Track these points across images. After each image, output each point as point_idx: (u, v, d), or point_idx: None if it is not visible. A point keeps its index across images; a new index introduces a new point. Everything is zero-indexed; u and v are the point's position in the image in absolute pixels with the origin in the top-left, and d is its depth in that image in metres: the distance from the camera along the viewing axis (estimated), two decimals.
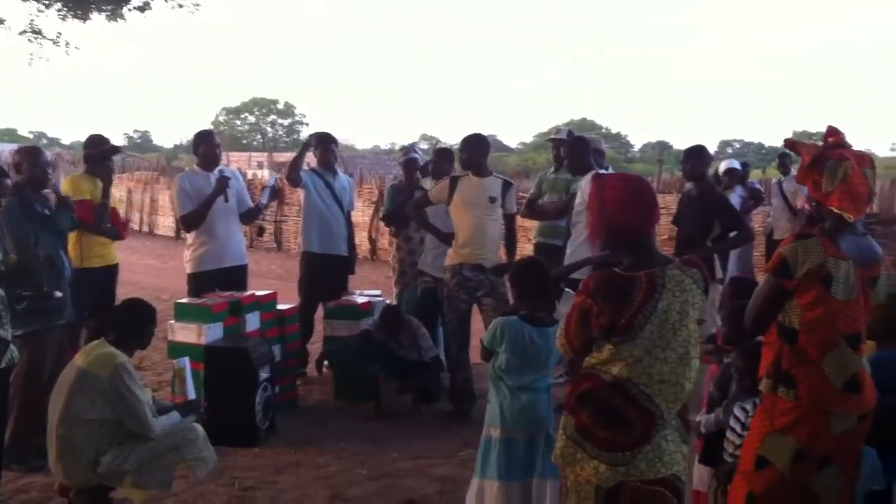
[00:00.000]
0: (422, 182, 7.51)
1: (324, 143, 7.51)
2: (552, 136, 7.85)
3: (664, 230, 11.25)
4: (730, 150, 59.39)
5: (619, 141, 77.28)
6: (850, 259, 3.28)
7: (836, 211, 3.30)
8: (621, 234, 3.10)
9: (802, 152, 3.47)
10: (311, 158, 7.69)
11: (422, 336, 6.62)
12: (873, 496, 3.75)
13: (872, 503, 3.75)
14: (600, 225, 3.14)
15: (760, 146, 66.61)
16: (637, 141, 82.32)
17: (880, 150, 68.68)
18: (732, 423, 3.93)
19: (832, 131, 3.50)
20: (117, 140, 9.83)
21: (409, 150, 8.02)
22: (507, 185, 6.49)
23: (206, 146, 6.90)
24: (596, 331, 2.99)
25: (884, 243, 11.36)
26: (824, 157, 3.36)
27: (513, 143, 77.72)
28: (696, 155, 6.47)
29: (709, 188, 6.49)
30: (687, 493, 4.53)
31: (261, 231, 7.23)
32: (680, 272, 3.04)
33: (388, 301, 7.46)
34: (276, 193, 7.19)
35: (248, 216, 7.18)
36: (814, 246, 3.25)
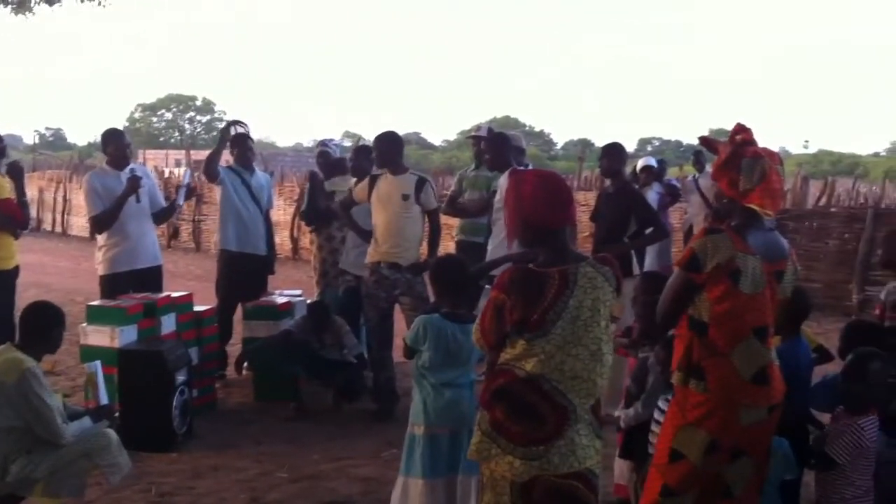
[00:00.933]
0: (340, 179, 7.44)
1: (241, 141, 7.40)
2: (472, 134, 7.88)
3: (585, 227, 11.42)
4: (649, 148, 60.66)
5: (542, 139, 78.13)
6: (758, 254, 3.36)
7: (754, 208, 3.38)
8: (536, 229, 3.12)
9: (718, 150, 3.55)
10: (228, 157, 7.56)
11: (346, 334, 6.58)
12: (786, 485, 3.87)
13: (785, 492, 3.88)
14: (516, 220, 3.17)
15: (679, 144, 68.01)
16: (560, 139, 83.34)
17: (793, 147, 70.94)
18: (657, 415, 4.00)
19: (740, 128, 3.57)
20: (28, 138, 9.54)
21: (323, 143, 7.95)
22: (421, 182, 6.47)
23: (114, 145, 6.73)
24: (509, 326, 3.01)
25: (790, 238, 11.80)
26: (739, 154, 3.43)
27: (437, 140, 77.82)
28: (613, 152, 6.57)
29: (625, 185, 6.60)
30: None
31: (176, 232, 7.08)
32: (592, 270, 3.08)
33: (308, 301, 7.38)
34: (191, 192, 7.03)
35: (163, 216, 7.04)
36: (723, 241, 3.32)
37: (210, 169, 7.21)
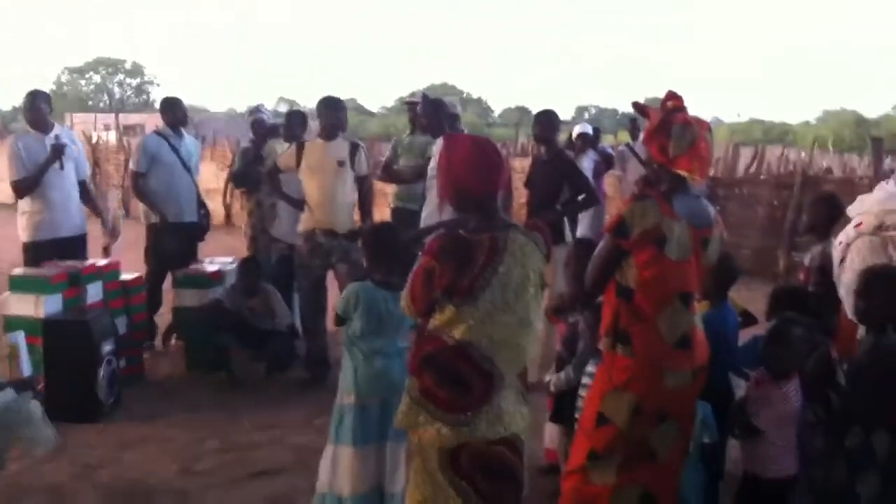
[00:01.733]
0: (272, 145, 7.33)
1: (172, 103, 7.25)
2: (407, 100, 7.81)
3: (521, 193, 11.45)
4: (586, 116, 61.04)
5: (480, 106, 78.07)
6: (684, 220, 3.40)
7: (683, 174, 3.41)
8: (466, 195, 3.10)
9: (650, 115, 3.57)
10: (156, 121, 7.37)
11: (277, 303, 6.51)
12: (707, 448, 3.95)
13: (706, 455, 3.96)
14: (447, 186, 3.15)
15: (615, 112, 68.68)
16: (497, 106, 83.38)
17: (726, 116, 72.13)
18: (586, 380, 4.03)
19: (671, 95, 3.60)
20: None
21: (255, 110, 7.81)
22: (355, 147, 6.42)
23: (33, 109, 6.49)
24: (438, 292, 2.99)
25: (721, 205, 12.00)
26: (669, 121, 3.46)
27: (374, 107, 77.18)
28: (546, 120, 6.58)
29: (558, 152, 6.61)
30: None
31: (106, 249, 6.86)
32: (523, 237, 3.07)
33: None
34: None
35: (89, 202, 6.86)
36: (650, 207, 3.36)
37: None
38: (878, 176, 10.90)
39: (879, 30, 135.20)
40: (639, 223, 3.33)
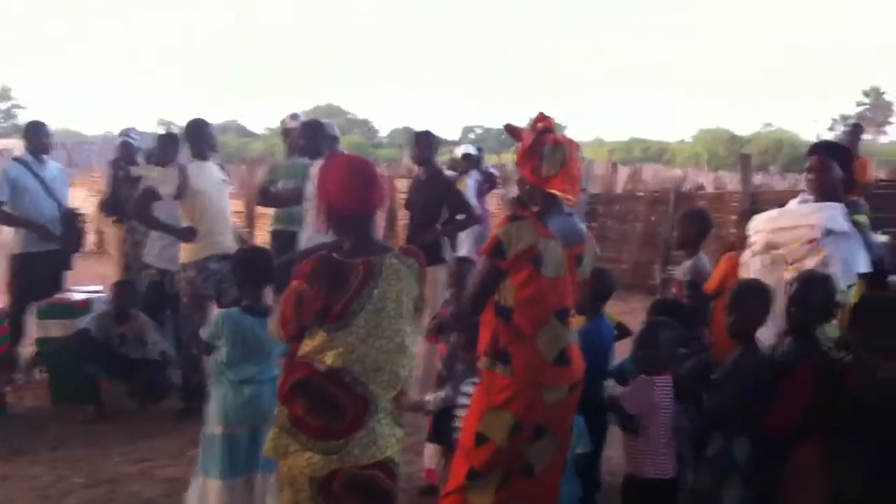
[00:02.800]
0: (142, 169, 7.08)
1: (35, 128, 6.92)
2: (285, 122, 7.68)
3: (403, 214, 11.45)
4: (472, 136, 61.60)
5: (366, 127, 77.92)
6: (558, 239, 3.44)
7: (557, 194, 3.44)
8: (340, 216, 3.05)
9: (522, 137, 3.60)
10: (16, 146, 7.03)
11: (148, 331, 6.26)
12: (581, 459, 3.98)
13: (580, 466, 3.98)
14: (322, 207, 3.09)
15: (500, 132, 69.37)
16: (383, 127, 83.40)
17: (607, 135, 74.29)
18: (462, 399, 4.02)
19: (541, 117, 3.64)
20: None
21: (124, 133, 7.55)
22: (221, 169, 6.34)
23: None
24: (309, 316, 2.91)
25: (601, 221, 12.28)
26: (541, 142, 3.50)
27: (258, 128, 75.96)
28: (423, 140, 6.59)
29: (436, 172, 6.63)
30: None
31: None
32: (397, 261, 3.04)
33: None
34: None
35: None
36: (526, 227, 3.39)
37: None
38: (747, 191, 11.40)
39: (750, 52, 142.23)
40: (514, 243, 3.36)
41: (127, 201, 6.97)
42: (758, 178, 20.81)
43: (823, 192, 4.26)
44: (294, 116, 7.64)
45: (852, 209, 4.16)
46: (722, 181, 23.21)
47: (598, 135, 76.53)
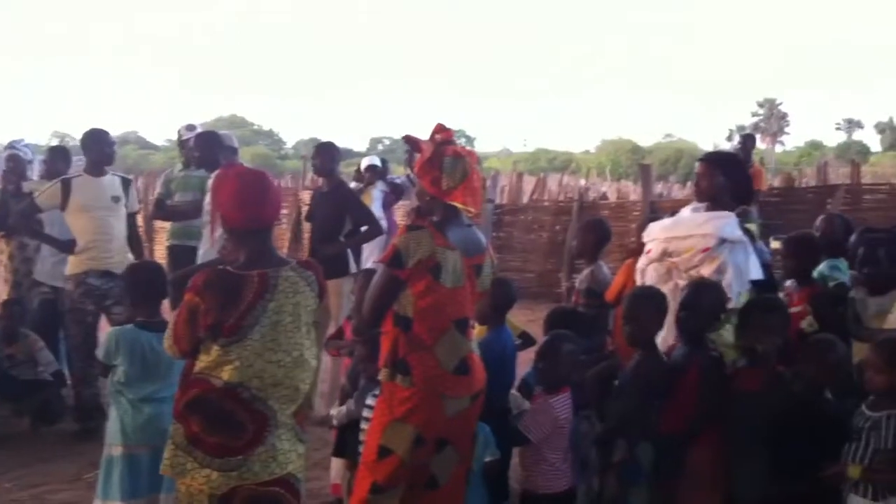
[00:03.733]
0: (34, 183, 6.82)
1: None
2: (180, 133, 7.51)
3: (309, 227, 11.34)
4: (380, 147, 61.56)
5: (271, 138, 77.02)
6: (458, 249, 3.45)
7: (456, 205, 3.46)
8: (233, 229, 3.01)
9: (421, 148, 3.60)
10: None
11: (40, 351, 6.05)
12: (488, 467, 3.98)
13: (488, 473, 3.98)
14: (215, 219, 3.06)
15: None
16: (290, 138, 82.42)
17: (513, 146, 75.17)
18: (367, 413, 3.99)
19: (440, 128, 3.65)
20: None
21: (10, 146, 7.26)
22: (126, 183, 6.15)
23: None
24: (203, 330, 2.86)
25: (495, 233, 12.38)
26: (441, 153, 3.51)
27: (159, 140, 74.17)
28: (325, 151, 6.55)
29: (339, 184, 6.59)
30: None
31: None
32: (294, 274, 3.00)
33: None
34: None
35: None
36: (424, 237, 3.39)
37: None
38: (647, 200, 11.68)
39: (647, 62, 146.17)
40: (413, 253, 3.36)
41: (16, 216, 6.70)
42: (658, 188, 21.36)
43: (708, 198, 4.41)
44: (190, 127, 7.47)
45: (743, 218, 4.30)
46: (624, 191, 23.77)
47: (505, 145, 77.28)
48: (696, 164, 4.59)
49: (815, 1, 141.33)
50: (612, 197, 18.89)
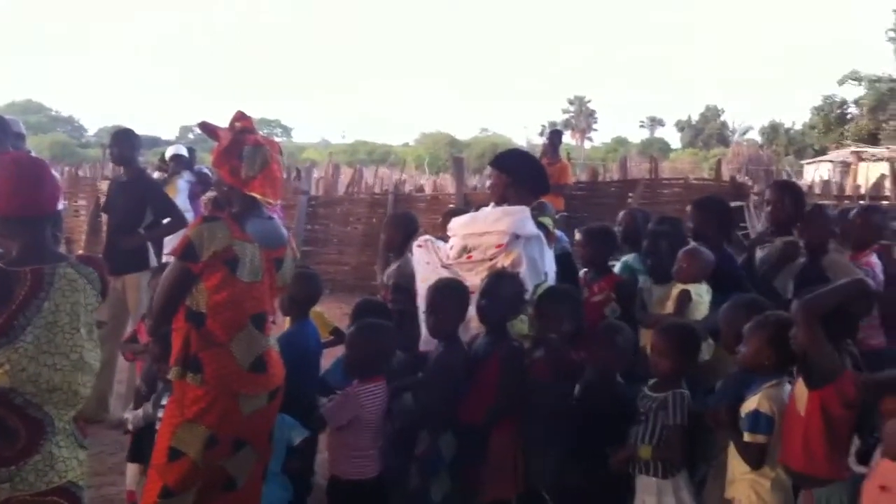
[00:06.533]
0: None
1: None
2: None
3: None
4: (191, 136, 59.27)
5: (71, 124, 72.66)
6: (257, 242, 3.35)
7: (256, 196, 3.34)
8: (9, 217, 2.76)
9: (219, 136, 3.46)
10: None
11: None
12: (292, 460, 3.89)
13: (290, 467, 3.89)
14: None
15: None
16: (91, 125, 77.94)
17: (333, 138, 74.60)
18: (162, 414, 3.81)
19: (240, 115, 3.54)
20: None
21: None
22: None
23: None
24: None
25: (310, 225, 12.26)
26: (241, 142, 3.40)
27: None
28: (123, 139, 6.23)
29: (139, 173, 6.30)
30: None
31: None
32: (73, 271, 2.78)
33: None
34: None
35: None
36: (220, 229, 3.27)
37: None
38: (461, 193, 11.89)
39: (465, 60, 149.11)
40: (207, 245, 3.23)
41: None
42: (474, 181, 21.80)
43: (500, 199, 4.58)
44: None
45: (538, 211, 4.43)
46: (442, 184, 24.10)
47: (324, 137, 76.54)
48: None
49: (623, 4, 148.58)
50: (429, 189, 19.07)
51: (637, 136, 74.67)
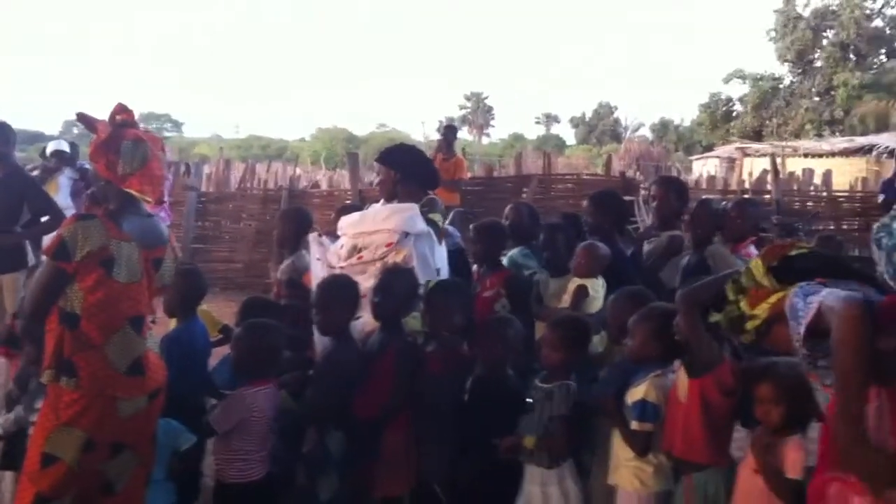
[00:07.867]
0: None
1: None
2: None
3: None
4: (75, 131, 57.08)
5: None
6: (134, 241, 3.23)
7: (133, 193, 3.23)
8: None
9: (97, 129, 3.32)
10: None
11: None
12: (184, 455, 3.76)
13: (175, 471, 3.76)
14: None
15: None
16: None
17: (225, 133, 73.13)
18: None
19: (120, 108, 3.41)
20: None
21: None
22: None
23: None
24: None
25: (200, 222, 11.99)
26: (119, 136, 3.28)
27: None
28: None
29: (15, 169, 6.03)
30: None
31: None
32: None
33: None
34: None
35: None
36: (95, 227, 3.14)
37: None
38: (356, 189, 11.80)
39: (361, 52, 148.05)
40: (82, 245, 3.10)
41: None
42: (370, 176, 21.67)
43: (387, 195, 4.59)
44: None
45: (428, 208, 4.42)
46: (338, 179, 23.88)
47: (216, 131, 74.79)
48: None
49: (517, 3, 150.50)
50: (325, 185, 18.85)
51: (534, 132, 75.69)
